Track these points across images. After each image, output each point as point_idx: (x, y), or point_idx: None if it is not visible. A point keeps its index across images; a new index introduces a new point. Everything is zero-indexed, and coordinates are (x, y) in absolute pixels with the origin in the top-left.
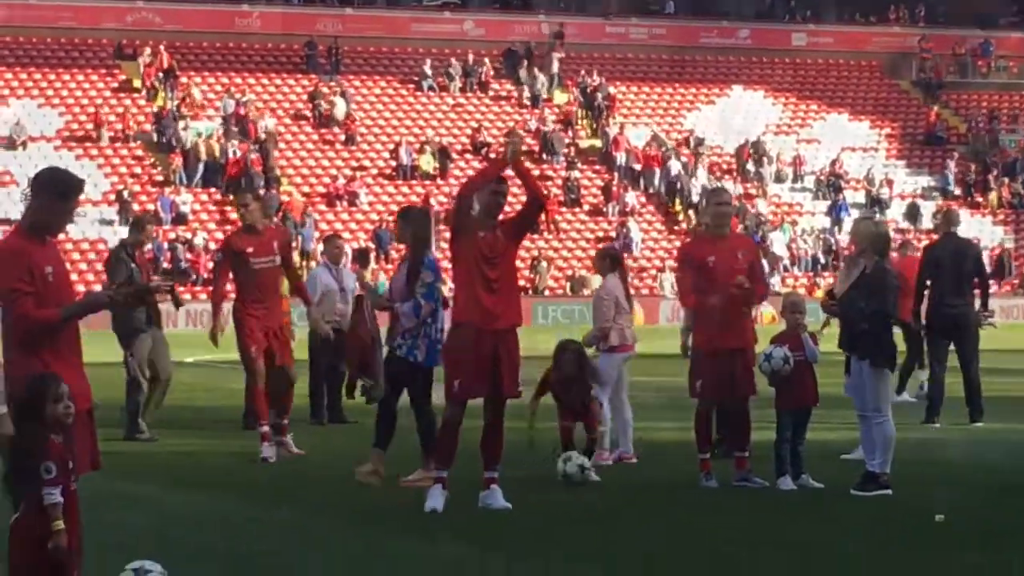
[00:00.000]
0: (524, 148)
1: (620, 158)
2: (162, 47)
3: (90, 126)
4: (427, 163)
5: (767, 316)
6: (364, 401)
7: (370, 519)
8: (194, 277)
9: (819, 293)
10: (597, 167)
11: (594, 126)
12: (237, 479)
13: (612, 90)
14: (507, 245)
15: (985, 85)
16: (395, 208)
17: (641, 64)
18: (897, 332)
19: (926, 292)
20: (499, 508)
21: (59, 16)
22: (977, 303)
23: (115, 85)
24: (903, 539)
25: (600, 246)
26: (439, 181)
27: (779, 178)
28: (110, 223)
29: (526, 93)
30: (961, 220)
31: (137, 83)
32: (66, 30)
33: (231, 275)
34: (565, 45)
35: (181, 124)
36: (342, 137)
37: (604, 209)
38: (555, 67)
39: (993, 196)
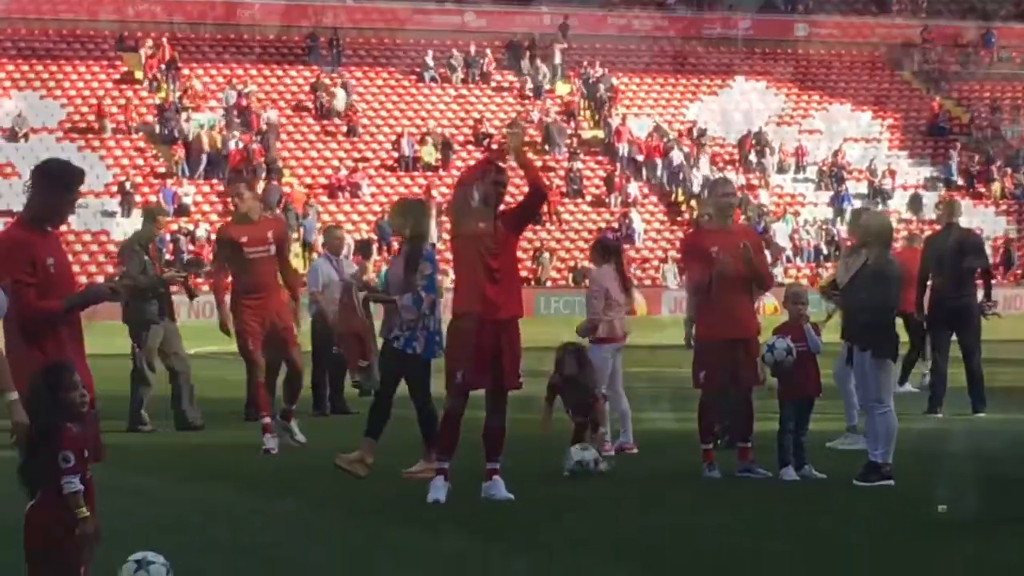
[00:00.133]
0: (527, 139)
1: (622, 149)
2: (164, 39)
3: (92, 118)
4: (429, 154)
5: (769, 307)
6: (357, 393)
7: (372, 511)
8: (208, 268)
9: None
10: (599, 158)
11: (596, 117)
12: (240, 470)
13: (614, 81)
14: (508, 235)
15: (987, 76)
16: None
17: (643, 55)
18: (899, 323)
19: (928, 283)
20: (502, 499)
21: (60, 7)
22: (979, 294)
23: (117, 77)
24: (905, 529)
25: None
26: (441, 172)
27: (781, 169)
28: (112, 215)
29: (528, 84)
30: (963, 211)
31: (139, 75)
32: (68, 21)
33: (227, 265)
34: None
35: (183, 115)
36: (344, 128)
37: (606, 200)
38: (557, 58)
39: (996, 187)
